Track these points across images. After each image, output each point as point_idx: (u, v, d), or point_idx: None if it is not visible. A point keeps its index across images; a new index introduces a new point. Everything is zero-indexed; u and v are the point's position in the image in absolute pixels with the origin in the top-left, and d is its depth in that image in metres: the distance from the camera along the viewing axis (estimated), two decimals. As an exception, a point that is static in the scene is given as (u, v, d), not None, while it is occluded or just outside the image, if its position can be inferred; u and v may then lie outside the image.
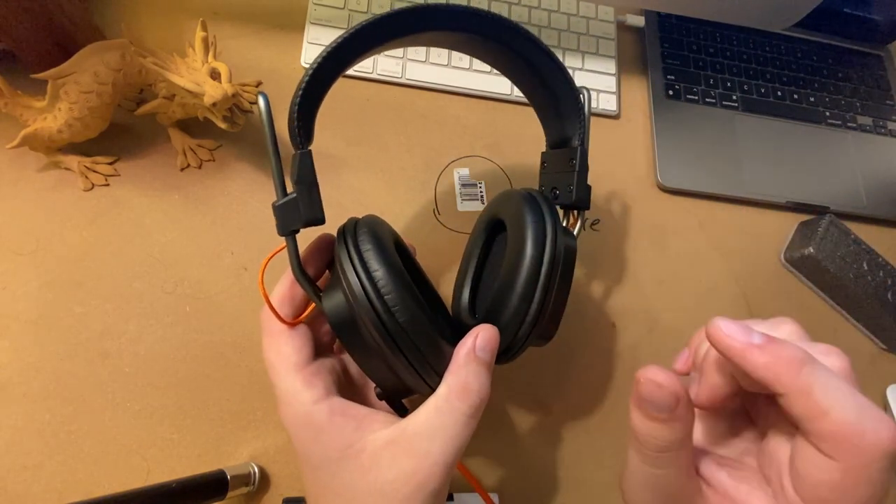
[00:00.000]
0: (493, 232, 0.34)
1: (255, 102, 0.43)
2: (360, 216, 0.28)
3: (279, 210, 0.25)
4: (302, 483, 0.34)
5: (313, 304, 0.27)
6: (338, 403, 0.25)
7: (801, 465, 0.18)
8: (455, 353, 0.25)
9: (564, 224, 0.32)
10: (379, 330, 0.23)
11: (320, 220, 0.25)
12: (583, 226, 0.33)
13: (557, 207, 0.31)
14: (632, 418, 0.20)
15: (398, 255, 0.26)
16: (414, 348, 0.24)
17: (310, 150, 0.25)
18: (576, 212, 0.33)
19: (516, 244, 0.28)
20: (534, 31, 0.49)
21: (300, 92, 0.25)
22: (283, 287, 0.27)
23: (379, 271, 0.24)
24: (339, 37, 0.26)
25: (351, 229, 0.26)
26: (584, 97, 0.32)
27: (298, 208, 0.25)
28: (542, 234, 0.28)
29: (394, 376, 0.26)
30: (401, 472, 0.23)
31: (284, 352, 0.26)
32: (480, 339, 0.25)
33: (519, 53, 0.30)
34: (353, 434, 0.24)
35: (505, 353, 0.28)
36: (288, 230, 0.25)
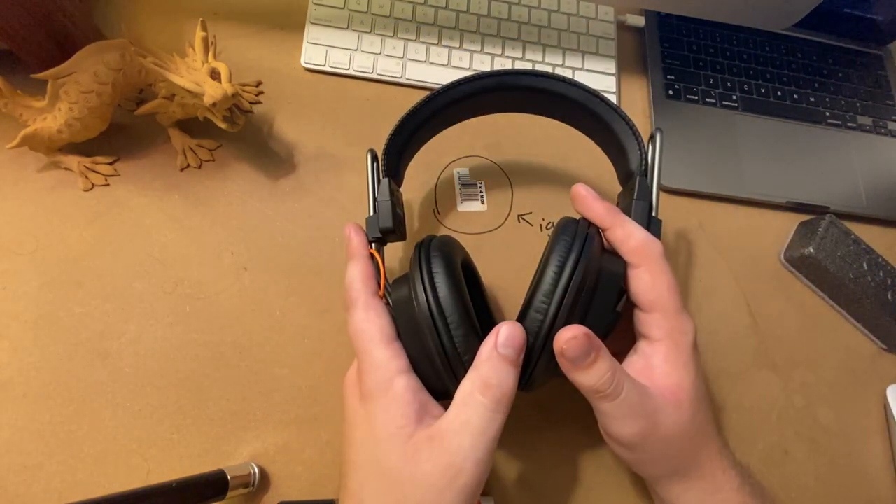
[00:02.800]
0: None
1: (256, 102, 0.43)
2: (437, 235, 0.33)
3: (369, 224, 0.33)
4: (302, 483, 0.34)
5: None
6: (414, 381, 0.27)
7: (633, 289, 0.29)
8: (479, 350, 0.26)
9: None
10: (433, 340, 0.27)
11: (391, 229, 0.32)
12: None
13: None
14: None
15: (463, 275, 0.30)
16: (461, 365, 0.27)
17: (389, 180, 0.33)
18: None
19: (542, 265, 0.29)
20: (533, 31, 0.50)
21: (389, 141, 0.34)
22: (364, 267, 0.30)
23: (443, 292, 0.27)
24: (430, 97, 0.35)
25: (426, 246, 0.30)
26: (657, 138, 0.32)
27: (377, 223, 0.32)
28: (564, 255, 0.27)
29: (438, 382, 0.28)
30: (435, 467, 0.25)
31: (379, 322, 0.28)
32: (502, 334, 0.26)
33: (566, 97, 0.35)
34: (413, 415, 0.26)
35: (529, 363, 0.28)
36: (371, 237, 0.32)
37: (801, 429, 0.41)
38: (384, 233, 0.32)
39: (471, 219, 0.43)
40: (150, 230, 0.38)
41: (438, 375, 0.28)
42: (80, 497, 0.26)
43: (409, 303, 0.28)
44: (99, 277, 0.36)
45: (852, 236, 0.45)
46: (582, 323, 0.27)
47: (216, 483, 0.30)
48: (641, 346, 0.30)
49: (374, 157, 0.34)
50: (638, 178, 0.32)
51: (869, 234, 0.46)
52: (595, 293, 0.28)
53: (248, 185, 0.41)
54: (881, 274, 0.44)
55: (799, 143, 0.52)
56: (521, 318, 0.28)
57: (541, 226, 0.44)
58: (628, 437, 0.27)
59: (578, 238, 0.28)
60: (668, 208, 0.47)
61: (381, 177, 0.33)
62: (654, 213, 0.31)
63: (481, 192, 0.44)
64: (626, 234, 0.29)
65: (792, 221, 0.48)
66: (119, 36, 0.34)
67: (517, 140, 0.46)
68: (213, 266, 0.38)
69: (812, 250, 0.44)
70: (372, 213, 0.32)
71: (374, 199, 0.33)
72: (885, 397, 0.43)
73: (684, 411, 0.28)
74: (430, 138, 0.38)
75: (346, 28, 0.46)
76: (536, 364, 0.27)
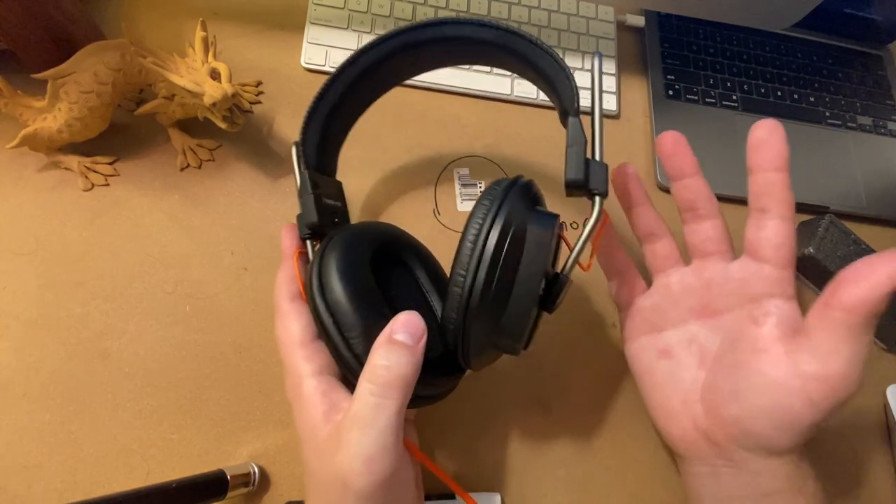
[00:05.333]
0: None
1: (256, 102, 0.43)
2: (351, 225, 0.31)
3: (298, 221, 0.31)
4: (302, 483, 0.34)
5: None
6: (325, 383, 0.26)
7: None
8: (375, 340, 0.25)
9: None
10: (329, 344, 0.26)
11: (316, 223, 0.31)
12: (599, 214, 0.28)
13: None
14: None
15: (371, 268, 0.28)
16: (359, 366, 0.25)
17: (306, 171, 0.32)
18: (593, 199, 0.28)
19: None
20: (533, 31, 0.50)
21: (302, 129, 0.33)
22: (286, 271, 0.30)
23: (335, 293, 0.26)
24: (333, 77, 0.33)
25: (324, 244, 0.28)
26: (595, 64, 0.29)
27: (303, 219, 0.31)
28: (479, 216, 0.25)
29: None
30: (335, 467, 0.23)
31: (291, 329, 0.28)
32: (397, 321, 0.24)
33: (478, 41, 0.31)
34: (321, 416, 0.25)
35: (457, 349, 0.26)
36: (303, 235, 0.31)
37: (801, 429, 0.41)
38: (312, 229, 0.31)
39: (471, 219, 0.43)
40: (150, 230, 0.38)
41: (348, 377, 0.27)
42: (80, 497, 0.26)
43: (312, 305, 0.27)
44: (99, 277, 0.36)
45: (852, 236, 0.45)
46: (510, 291, 0.25)
47: (216, 483, 0.30)
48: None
49: (298, 150, 0.32)
50: (570, 119, 0.28)
51: (869, 234, 0.46)
52: (522, 254, 0.25)
53: (248, 185, 0.41)
54: (881, 274, 0.44)
55: (799, 143, 0.52)
56: (444, 297, 0.26)
57: (541, 226, 0.44)
58: (833, 378, 0.26)
59: (495, 200, 0.25)
60: (668, 208, 0.47)
61: (302, 169, 0.32)
62: (598, 157, 0.28)
63: (481, 192, 0.44)
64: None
65: (792, 221, 0.48)
66: (119, 36, 0.34)
67: (517, 140, 0.46)
68: (213, 266, 0.38)
69: (812, 250, 0.44)
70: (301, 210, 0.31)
71: (298, 195, 0.31)
72: (885, 397, 0.43)
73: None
74: (354, 119, 0.36)
75: (346, 28, 0.46)
76: (467, 338, 0.25)
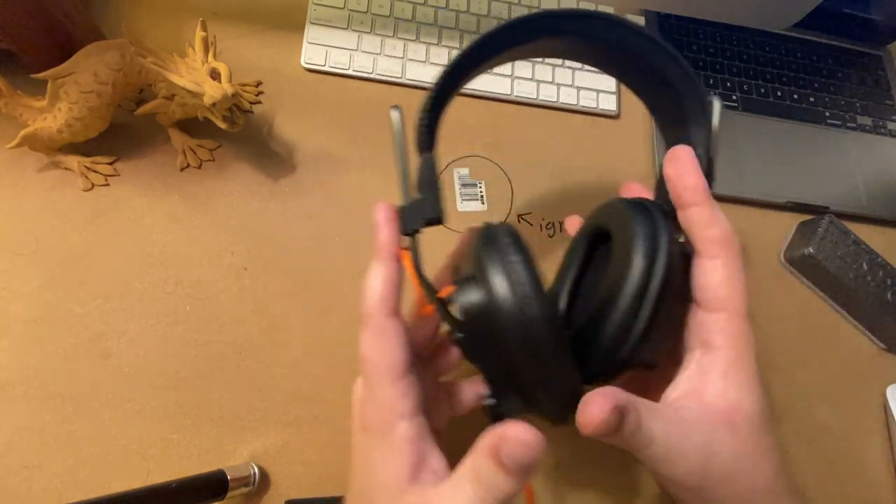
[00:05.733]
0: (595, 242, 0.31)
1: (256, 102, 0.43)
2: (495, 223, 0.26)
3: (407, 211, 0.25)
4: (302, 483, 0.34)
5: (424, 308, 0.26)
6: (417, 426, 0.23)
7: (700, 280, 0.25)
8: (483, 437, 0.21)
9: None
10: (522, 336, 0.22)
11: (440, 220, 0.25)
12: None
13: None
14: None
15: None
16: (546, 362, 0.22)
17: (432, 155, 0.26)
18: None
19: (623, 254, 0.25)
20: (534, 31, 0.50)
21: (429, 104, 0.26)
22: (388, 274, 0.24)
23: (526, 283, 0.22)
24: (462, 52, 0.27)
25: (495, 234, 0.25)
26: (714, 105, 0.28)
27: (423, 208, 0.25)
28: (652, 242, 0.24)
29: (515, 388, 0.24)
30: None
31: (389, 353, 0.23)
32: (508, 442, 0.20)
33: (633, 52, 0.29)
34: (408, 469, 0.22)
35: (602, 375, 0.25)
36: (410, 229, 0.25)
37: (801, 429, 0.41)
38: (428, 224, 0.25)
39: (471, 219, 0.43)
40: (150, 230, 0.38)
41: (519, 379, 0.23)
42: (80, 497, 0.26)
43: (487, 296, 0.23)
44: (99, 277, 0.36)
45: (852, 236, 0.45)
46: (660, 336, 0.24)
47: (216, 483, 0.30)
48: (696, 357, 0.25)
49: (422, 129, 0.26)
50: (706, 157, 0.27)
51: (869, 234, 0.46)
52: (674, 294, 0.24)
53: (248, 185, 0.41)
54: (881, 274, 0.44)
55: (799, 143, 0.52)
56: (594, 328, 0.24)
57: (541, 226, 0.44)
58: (682, 479, 0.23)
59: (661, 231, 0.24)
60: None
61: (422, 149, 0.26)
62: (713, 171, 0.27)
63: (481, 192, 0.44)
64: (713, 219, 0.25)
65: (792, 221, 0.48)
66: (119, 36, 0.34)
67: (517, 140, 0.46)
68: (213, 266, 0.38)
69: (812, 250, 0.44)
70: (408, 197, 0.26)
71: (421, 182, 0.25)
72: (885, 397, 0.43)
73: (742, 436, 0.23)
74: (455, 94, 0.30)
75: (346, 28, 0.46)
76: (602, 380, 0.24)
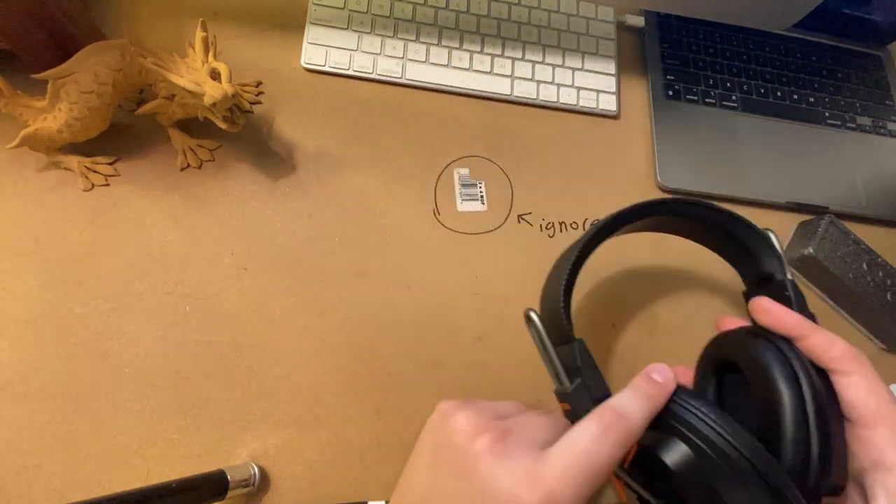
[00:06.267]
0: (720, 374, 0.32)
1: (256, 102, 0.43)
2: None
3: (573, 396, 0.27)
4: (302, 483, 0.34)
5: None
6: None
7: (846, 396, 0.26)
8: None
9: None
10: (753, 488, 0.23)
11: (608, 395, 0.26)
12: None
13: None
14: None
15: None
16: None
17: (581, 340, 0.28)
18: None
19: (767, 382, 0.26)
20: (533, 31, 0.50)
21: (563, 286, 0.30)
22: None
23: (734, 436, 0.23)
24: (585, 235, 0.32)
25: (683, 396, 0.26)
26: (773, 236, 0.34)
27: (589, 392, 0.27)
28: (790, 370, 0.26)
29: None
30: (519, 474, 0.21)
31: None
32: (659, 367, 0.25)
33: (702, 219, 0.35)
34: None
35: None
36: (584, 412, 0.25)
37: (800, 429, 0.41)
38: (599, 402, 0.26)
39: (471, 219, 0.43)
40: (150, 230, 0.38)
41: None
42: (80, 497, 0.26)
43: (701, 458, 0.23)
44: (99, 277, 0.36)
45: (852, 236, 0.45)
46: (838, 456, 0.24)
47: (216, 483, 0.30)
48: (880, 481, 0.24)
49: (563, 317, 0.29)
50: (790, 281, 0.31)
51: (869, 234, 0.46)
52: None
53: (248, 185, 0.41)
54: (881, 274, 0.44)
55: (799, 144, 0.52)
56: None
57: (541, 226, 0.44)
58: None
59: (792, 355, 0.26)
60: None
61: (570, 337, 0.28)
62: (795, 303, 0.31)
63: (481, 192, 0.44)
64: (830, 341, 0.27)
65: (792, 221, 0.48)
66: (119, 36, 0.34)
67: (517, 140, 0.46)
68: (213, 266, 0.38)
69: (812, 250, 0.44)
70: (564, 384, 0.28)
71: (582, 367, 0.27)
72: (884, 397, 0.43)
73: None
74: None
75: (346, 28, 0.46)
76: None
